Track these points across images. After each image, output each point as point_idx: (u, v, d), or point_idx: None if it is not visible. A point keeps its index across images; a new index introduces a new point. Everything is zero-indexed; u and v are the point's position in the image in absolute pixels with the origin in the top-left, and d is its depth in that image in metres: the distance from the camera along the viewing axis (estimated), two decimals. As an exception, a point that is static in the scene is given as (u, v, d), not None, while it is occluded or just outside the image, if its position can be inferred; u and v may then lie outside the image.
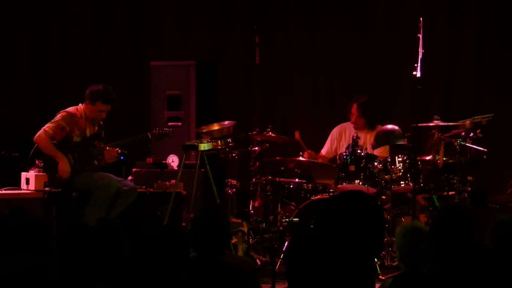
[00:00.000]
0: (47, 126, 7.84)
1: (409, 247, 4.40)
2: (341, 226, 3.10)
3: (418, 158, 7.91)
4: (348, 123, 8.86)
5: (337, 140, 8.89)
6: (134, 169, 8.77)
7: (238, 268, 4.22)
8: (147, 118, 9.44)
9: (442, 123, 7.90)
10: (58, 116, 7.89)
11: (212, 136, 8.04)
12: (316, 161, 8.60)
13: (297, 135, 8.73)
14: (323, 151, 8.95)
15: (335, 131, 8.93)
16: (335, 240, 3.07)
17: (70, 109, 7.97)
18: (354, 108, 8.71)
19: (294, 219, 7.97)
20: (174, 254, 3.82)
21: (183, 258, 3.86)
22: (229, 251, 4.97)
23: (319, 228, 3.15)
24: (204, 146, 7.80)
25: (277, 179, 8.14)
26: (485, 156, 7.95)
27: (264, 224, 8.14)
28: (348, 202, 3.16)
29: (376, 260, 7.54)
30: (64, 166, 7.79)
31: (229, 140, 8.02)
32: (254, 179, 8.30)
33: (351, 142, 8.05)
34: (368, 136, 8.52)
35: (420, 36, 7.63)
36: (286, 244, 7.61)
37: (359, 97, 8.76)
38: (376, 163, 7.85)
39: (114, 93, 7.97)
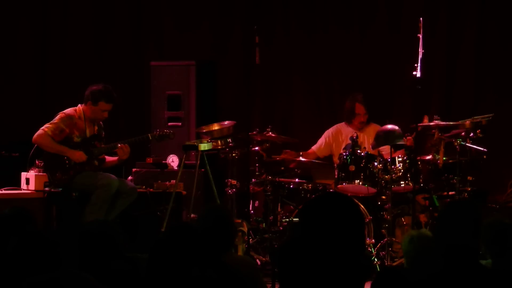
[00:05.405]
0: (46, 127, 7.83)
1: (416, 254, 4.36)
2: (320, 228, 3.08)
3: (418, 158, 7.92)
4: (342, 124, 8.83)
5: (332, 140, 8.79)
6: (134, 169, 8.77)
7: (240, 269, 4.22)
8: (147, 118, 9.44)
9: (442, 123, 7.90)
10: (56, 118, 7.88)
11: (212, 136, 8.04)
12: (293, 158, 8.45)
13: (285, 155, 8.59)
14: (314, 147, 8.89)
15: (329, 131, 8.86)
16: (317, 243, 3.05)
17: (68, 110, 7.96)
18: (360, 108, 8.66)
19: (294, 219, 7.97)
20: (185, 251, 3.75)
21: (194, 255, 3.82)
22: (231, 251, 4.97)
23: (301, 232, 3.13)
24: (204, 146, 7.80)
25: (277, 179, 8.14)
26: (485, 156, 7.95)
27: (264, 224, 8.14)
28: (325, 205, 3.13)
29: (376, 260, 7.55)
30: (76, 155, 7.78)
31: (229, 140, 8.02)
32: (253, 180, 8.30)
33: (350, 142, 8.05)
34: (362, 134, 8.52)
35: (420, 36, 7.63)
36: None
37: (355, 97, 8.71)
38: (376, 163, 7.85)
39: (114, 92, 7.99)
